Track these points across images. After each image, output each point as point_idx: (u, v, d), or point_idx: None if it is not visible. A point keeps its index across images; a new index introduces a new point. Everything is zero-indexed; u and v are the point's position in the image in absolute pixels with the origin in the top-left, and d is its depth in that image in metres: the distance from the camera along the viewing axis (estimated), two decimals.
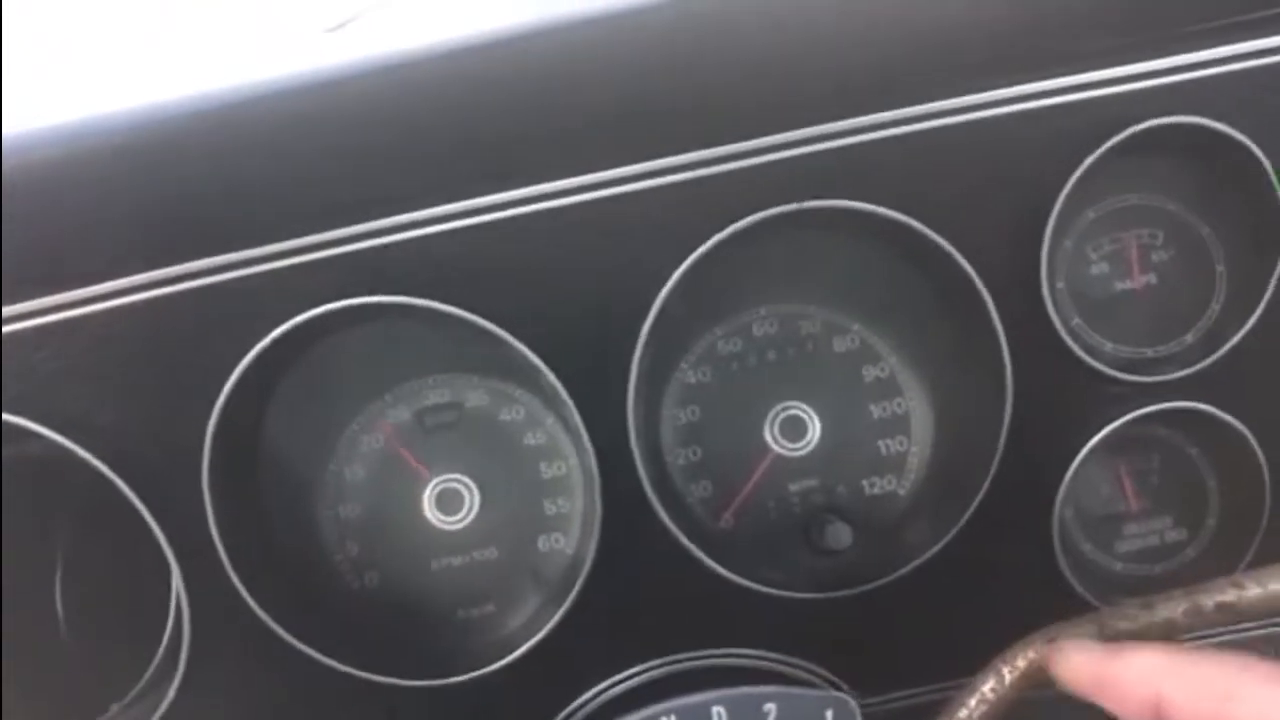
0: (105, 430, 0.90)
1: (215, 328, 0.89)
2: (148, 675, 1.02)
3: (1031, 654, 0.74)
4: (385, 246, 0.89)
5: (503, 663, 0.95)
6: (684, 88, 0.88)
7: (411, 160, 0.88)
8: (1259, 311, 0.98)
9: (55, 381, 0.90)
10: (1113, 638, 0.73)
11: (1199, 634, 0.89)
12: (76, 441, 0.88)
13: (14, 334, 0.88)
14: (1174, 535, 1.09)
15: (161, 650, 1.01)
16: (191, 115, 0.85)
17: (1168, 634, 0.72)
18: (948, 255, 0.92)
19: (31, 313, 0.88)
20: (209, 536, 0.91)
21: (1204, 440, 1.06)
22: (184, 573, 0.92)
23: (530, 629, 0.97)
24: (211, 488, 0.90)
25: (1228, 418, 0.98)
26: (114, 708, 1.01)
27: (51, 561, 1.07)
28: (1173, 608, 0.72)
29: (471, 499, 1.07)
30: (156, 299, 0.89)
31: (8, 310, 0.88)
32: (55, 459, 0.89)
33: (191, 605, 0.92)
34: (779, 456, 1.08)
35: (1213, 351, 0.98)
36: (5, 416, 0.88)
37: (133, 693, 1.02)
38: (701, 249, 0.91)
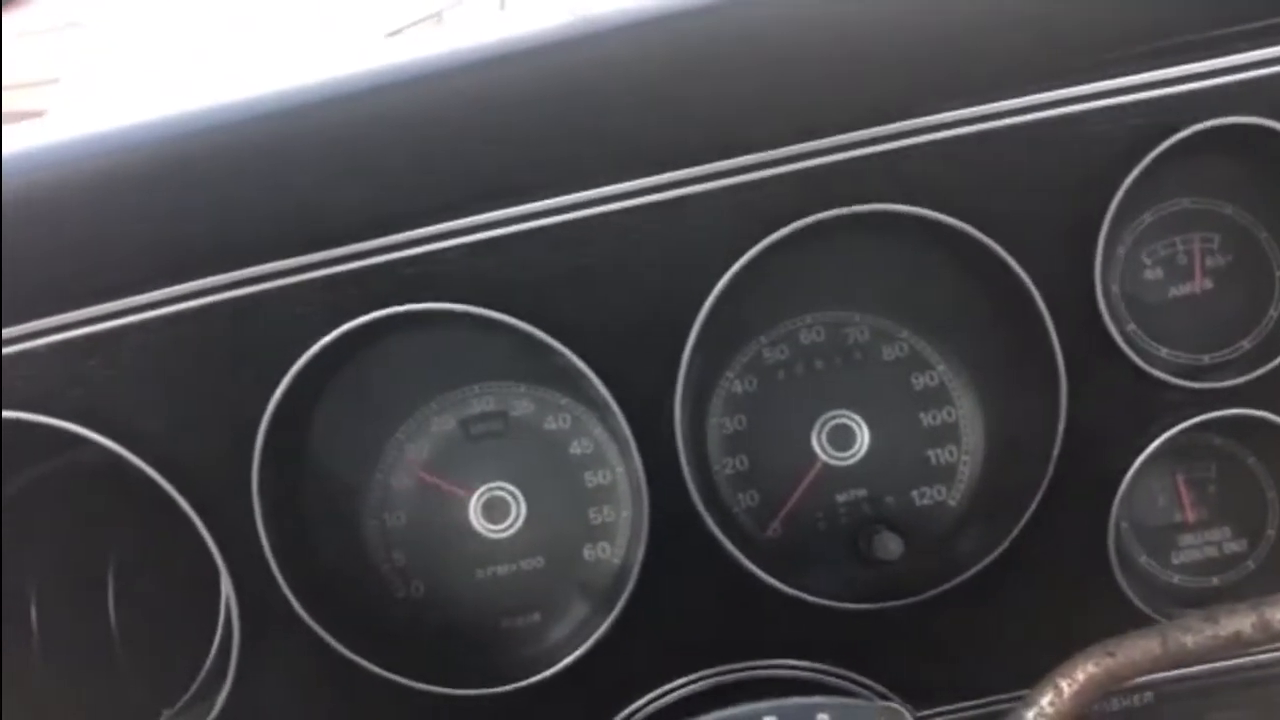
0: (156, 437, 0.90)
1: (264, 335, 0.90)
2: (198, 682, 1.03)
3: (1091, 667, 0.72)
4: (432, 254, 0.89)
5: (549, 673, 0.94)
6: (733, 92, 0.88)
7: (458, 168, 0.88)
8: None
9: (107, 389, 0.90)
10: (1176, 652, 0.71)
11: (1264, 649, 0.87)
12: (128, 448, 0.89)
13: (67, 341, 0.89)
14: (1233, 546, 1.06)
15: (211, 657, 1.01)
16: (239, 123, 0.86)
17: (1233, 648, 0.70)
18: (1000, 260, 0.90)
19: (83, 320, 0.89)
20: (258, 543, 0.91)
21: (1263, 448, 1.04)
22: (233, 580, 0.92)
23: (576, 639, 0.97)
24: (261, 495, 0.91)
25: None
26: (165, 714, 1.02)
27: (104, 569, 1.08)
28: (1239, 621, 0.70)
29: (517, 508, 1.07)
30: (206, 306, 0.89)
31: (60, 318, 0.89)
32: (108, 467, 0.89)
33: (241, 612, 0.92)
34: (827, 466, 1.07)
35: (1272, 357, 0.96)
36: (60, 423, 0.89)
37: (183, 699, 1.03)
38: (748, 254, 0.90)
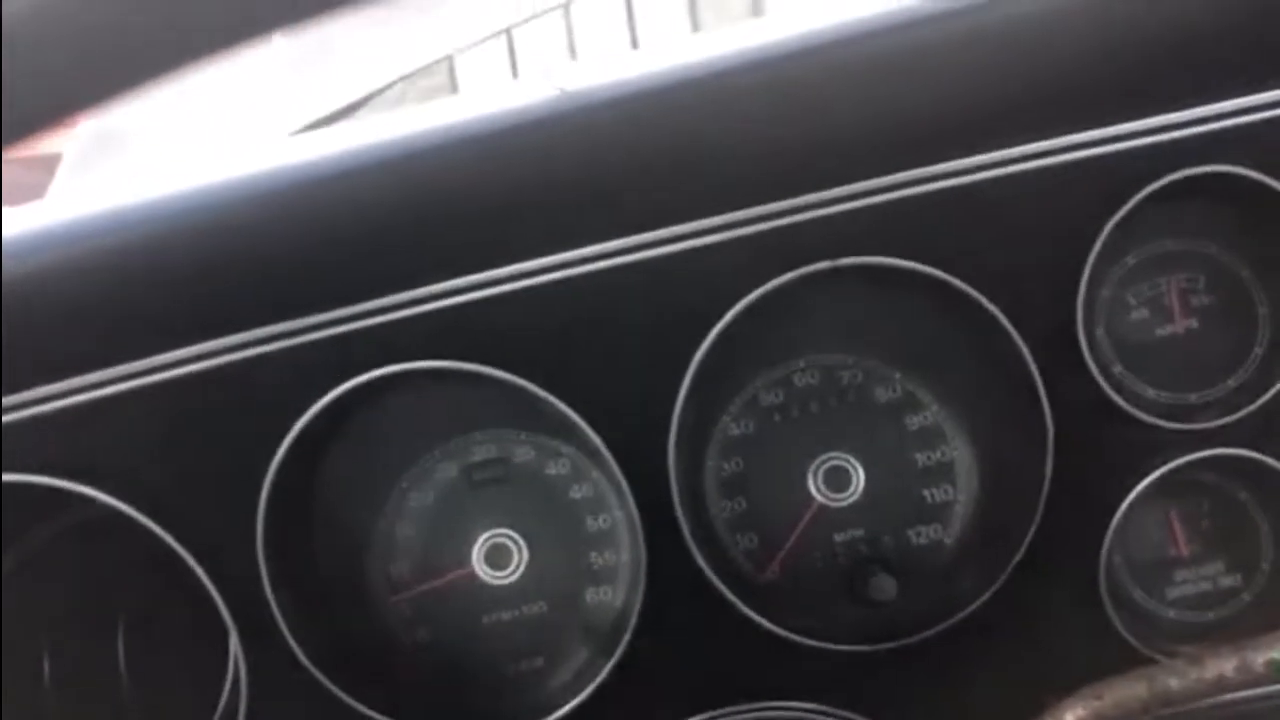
0: (164, 497, 0.93)
1: (267, 396, 0.92)
2: None
3: (1079, 710, 0.73)
4: (430, 313, 0.91)
5: (552, 717, 0.96)
6: (719, 151, 0.90)
7: (455, 232, 0.90)
8: None
9: (116, 450, 0.93)
10: (1162, 694, 0.72)
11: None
12: (137, 508, 0.91)
13: (76, 405, 0.91)
14: (1227, 581, 1.07)
15: (220, 710, 1.03)
16: (238, 193, 0.88)
17: (1218, 691, 0.71)
18: (984, 309, 0.92)
19: (92, 385, 0.91)
20: (265, 599, 0.93)
21: (1254, 484, 1.05)
22: (241, 634, 0.94)
23: (579, 684, 0.98)
24: (266, 552, 0.93)
25: (1275, 464, 0.97)
26: None
27: (114, 623, 1.10)
28: (1222, 664, 0.71)
29: (520, 553, 1.09)
30: (212, 369, 0.91)
31: (69, 383, 0.91)
32: (118, 524, 0.92)
33: (249, 665, 0.94)
34: (823, 507, 1.08)
35: (1258, 396, 0.98)
36: (71, 485, 0.91)
37: None
38: (738, 307, 0.92)
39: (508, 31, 1.93)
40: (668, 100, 0.88)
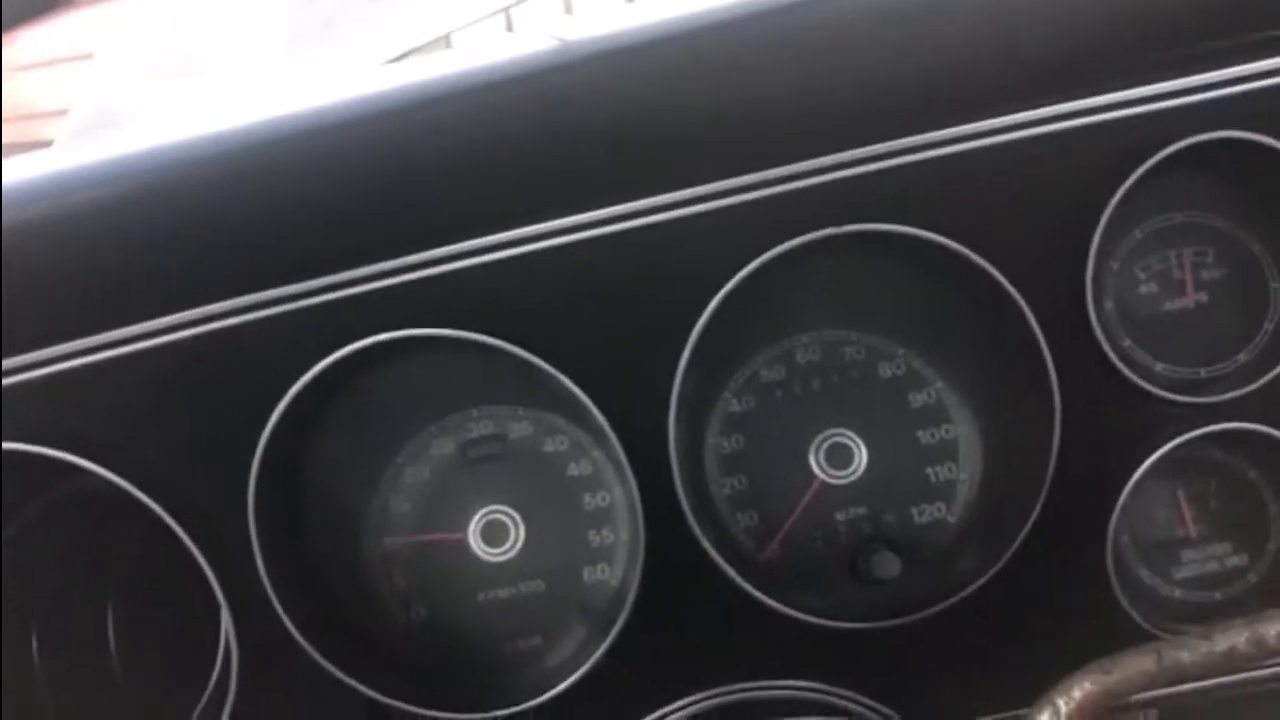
0: (154, 467, 0.91)
1: (259, 363, 0.90)
2: (198, 712, 1.03)
3: (1088, 685, 0.72)
4: (424, 280, 0.90)
5: (549, 695, 0.94)
6: (722, 115, 0.88)
7: (448, 194, 0.89)
8: None
9: (106, 419, 0.91)
10: (1171, 669, 0.71)
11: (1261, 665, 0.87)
12: (127, 478, 0.90)
13: (66, 372, 0.90)
14: (1235, 560, 1.06)
15: (211, 686, 1.01)
16: (232, 152, 0.87)
17: (1229, 665, 0.70)
18: (992, 278, 0.91)
19: (81, 351, 0.90)
20: (256, 572, 0.91)
21: (1263, 462, 1.03)
22: (232, 608, 0.92)
23: (576, 661, 0.97)
24: (258, 523, 0.91)
25: None
26: None
27: (104, 597, 1.08)
28: (1234, 637, 0.70)
29: (517, 531, 1.07)
30: (203, 335, 0.90)
31: (60, 349, 0.90)
32: (108, 496, 0.90)
33: (240, 641, 0.93)
34: (825, 484, 1.07)
35: (1268, 370, 0.96)
36: (60, 455, 0.90)
37: None
38: (740, 275, 0.90)
39: (506, 12, 1.91)
40: (669, 58, 0.86)
